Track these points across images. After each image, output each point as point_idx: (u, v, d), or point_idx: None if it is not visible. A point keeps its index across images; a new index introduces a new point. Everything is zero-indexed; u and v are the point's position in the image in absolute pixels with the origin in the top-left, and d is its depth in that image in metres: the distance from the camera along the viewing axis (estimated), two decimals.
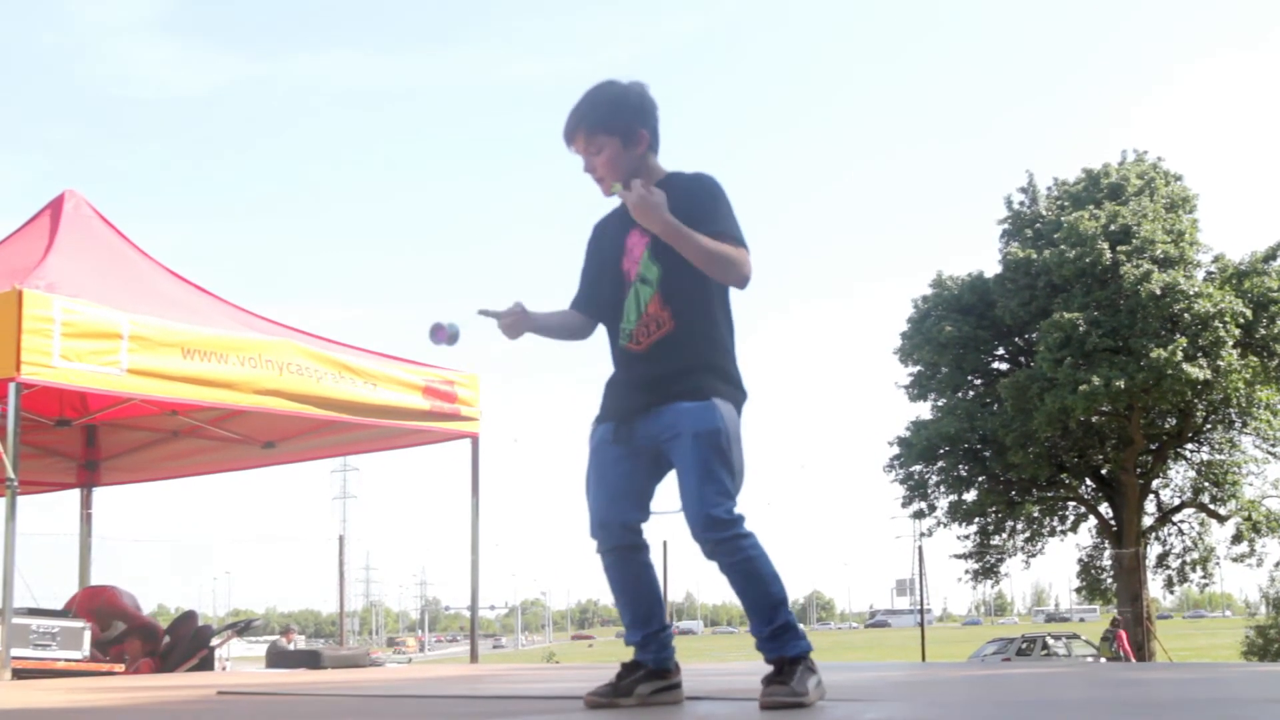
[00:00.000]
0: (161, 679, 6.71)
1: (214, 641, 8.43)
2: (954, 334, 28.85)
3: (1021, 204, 30.18)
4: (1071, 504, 30.96)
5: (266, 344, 7.53)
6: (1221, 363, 25.86)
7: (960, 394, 29.82)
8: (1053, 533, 31.47)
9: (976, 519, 30.54)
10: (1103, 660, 23.97)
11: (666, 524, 3.31)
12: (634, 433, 3.21)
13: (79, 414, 9.51)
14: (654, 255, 3.23)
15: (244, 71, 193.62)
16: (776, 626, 3.09)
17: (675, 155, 3.38)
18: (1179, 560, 30.57)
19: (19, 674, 6.46)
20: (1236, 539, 29.32)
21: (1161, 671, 5.81)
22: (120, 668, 7.46)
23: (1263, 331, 26.96)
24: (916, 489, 30.39)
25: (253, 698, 4.56)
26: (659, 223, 3.09)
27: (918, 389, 30.45)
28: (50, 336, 6.39)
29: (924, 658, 21.96)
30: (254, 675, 7.93)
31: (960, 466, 29.91)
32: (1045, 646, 27.61)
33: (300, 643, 21.65)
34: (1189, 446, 29.85)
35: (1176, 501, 30.67)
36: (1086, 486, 30.55)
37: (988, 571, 31.54)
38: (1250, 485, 29.61)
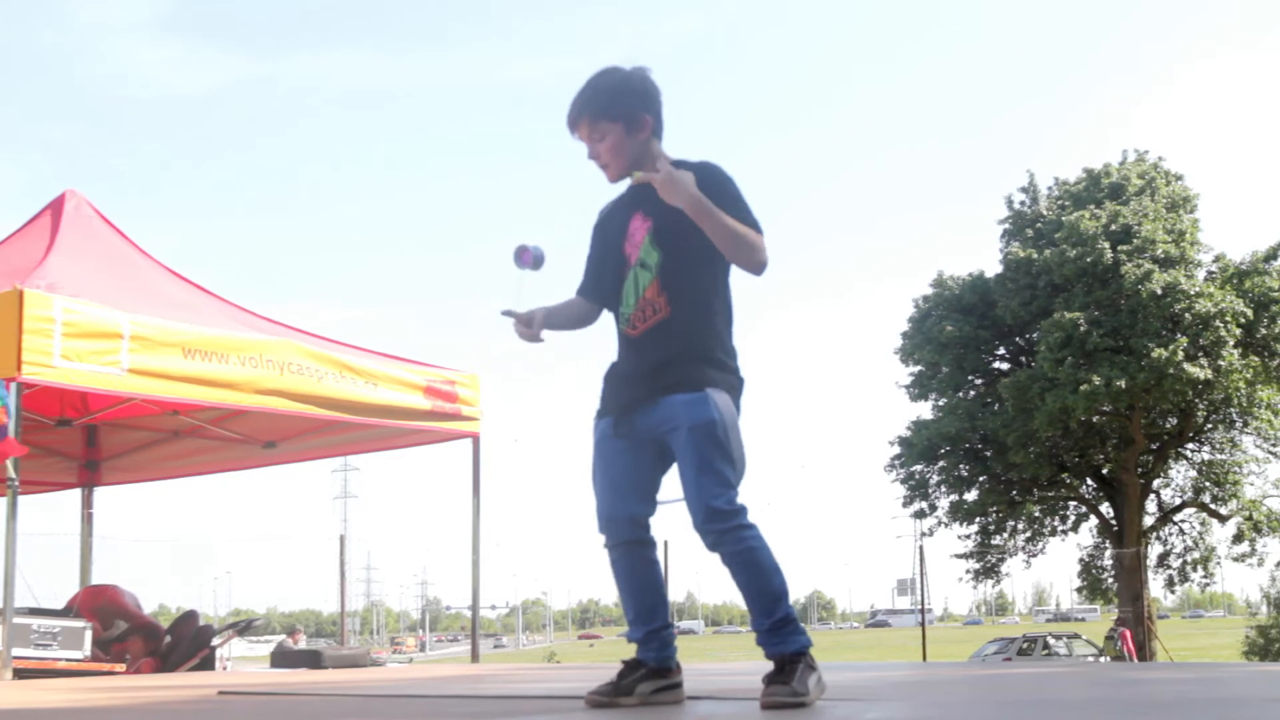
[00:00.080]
0: (162, 679, 6.72)
1: (215, 641, 8.43)
2: (955, 334, 28.85)
3: (1022, 204, 30.18)
4: (1072, 504, 30.96)
5: (267, 344, 7.53)
6: (1222, 362, 25.85)
7: (961, 394, 29.81)
8: (1054, 532, 31.48)
9: (977, 519, 30.54)
10: (1106, 659, 23.99)
11: (667, 523, 3.32)
12: (634, 426, 3.22)
13: (80, 414, 9.51)
14: (655, 241, 3.24)
15: (244, 71, 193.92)
16: (777, 619, 3.10)
17: (675, 155, 3.38)
18: (1180, 560, 30.58)
19: (20, 674, 6.47)
20: (1237, 539, 29.32)
21: (1162, 671, 5.81)
22: (121, 667, 7.46)
23: (1263, 331, 26.95)
24: (917, 489, 30.39)
25: (253, 698, 4.56)
26: (688, 199, 3.09)
27: (918, 389, 30.45)
28: (51, 336, 6.39)
29: (925, 657, 21.96)
30: (255, 675, 7.93)
31: (961, 466, 29.91)
32: (1046, 646, 27.63)
33: (303, 643, 21.69)
34: (1190, 446, 29.85)
35: (1177, 501, 30.67)
36: (1087, 486, 30.55)
37: (989, 571, 31.54)
38: (1251, 485, 29.65)
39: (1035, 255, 27.71)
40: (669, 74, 3.36)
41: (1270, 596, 38.69)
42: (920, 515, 30.65)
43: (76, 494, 10.30)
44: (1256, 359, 27.08)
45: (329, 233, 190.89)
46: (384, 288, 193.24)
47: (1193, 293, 25.88)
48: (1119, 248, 26.66)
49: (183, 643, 8.12)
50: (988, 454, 29.20)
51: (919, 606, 27.76)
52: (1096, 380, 25.12)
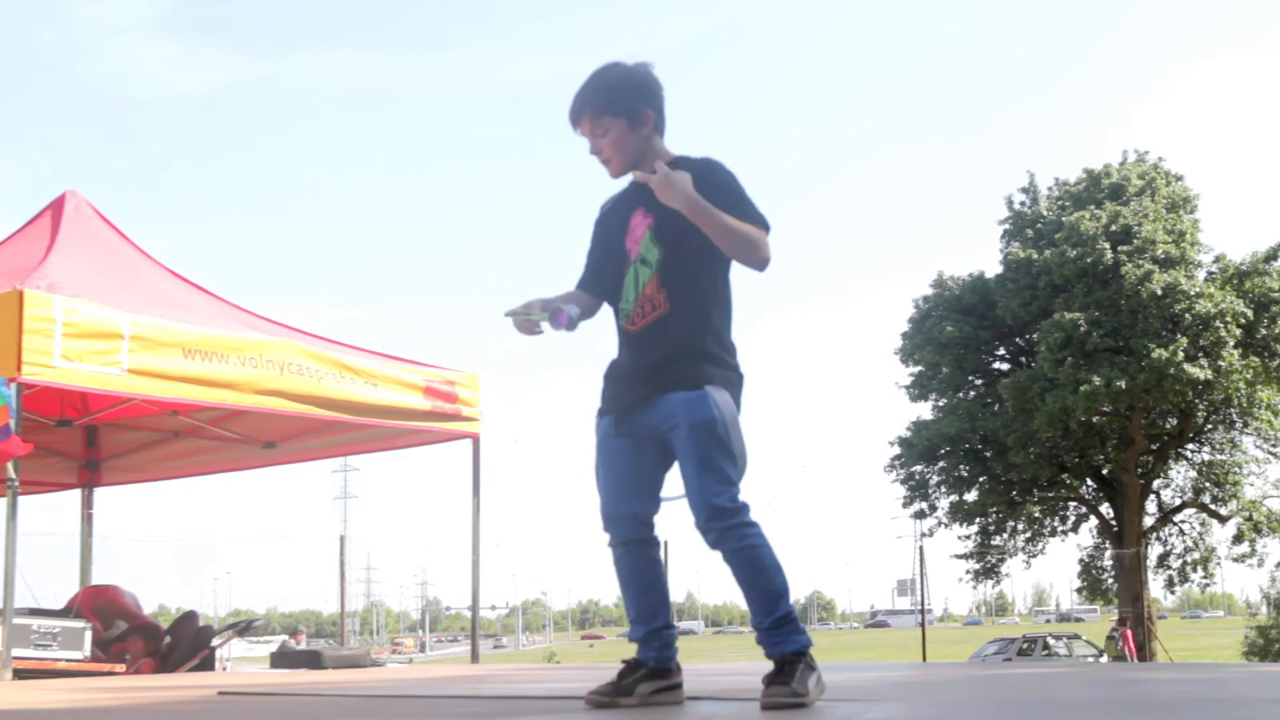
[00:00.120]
0: (162, 679, 6.72)
1: (215, 642, 8.43)
2: (955, 334, 28.86)
3: (1022, 204, 30.20)
4: (1072, 504, 30.97)
5: (267, 344, 7.53)
6: (1222, 363, 25.86)
7: (961, 394, 29.82)
8: (1054, 533, 31.49)
9: (977, 519, 30.55)
10: (1108, 659, 24.00)
11: (667, 523, 3.32)
12: (635, 425, 3.22)
13: (80, 414, 9.51)
14: (656, 237, 3.24)
15: (244, 71, 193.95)
16: (777, 617, 3.10)
17: (676, 153, 3.37)
18: (1180, 560, 30.59)
19: (20, 674, 6.47)
20: (1237, 539, 29.34)
21: (1162, 671, 5.81)
22: (121, 668, 7.47)
23: (1263, 331, 26.96)
24: (917, 489, 30.40)
25: (253, 698, 4.56)
26: (684, 200, 3.10)
27: (919, 389, 30.46)
28: (51, 337, 6.40)
29: (925, 658, 21.95)
30: (255, 675, 7.93)
31: (961, 467, 29.92)
32: (1046, 646, 27.63)
33: (305, 643, 21.72)
34: (1190, 447, 29.86)
35: (1177, 502, 30.69)
36: (1087, 487, 30.55)
37: (988, 572, 31.55)
38: (1251, 485, 29.67)
39: (1035, 255, 27.72)
40: (669, 74, 3.36)
41: (1270, 597, 38.70)
42: (920, 515, 30.67)
43: (76, 494, 10.30)
44: (1256, 359, 27.08)
45: (329, 233, 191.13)
46: (384, 288, 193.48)
47: (1193, 293, 25.88)
48: (1119, 248, 26.67)
49: (183, 643, 8.13)
50: (988, 454, 29.21)
51: (919, 607, 27.75)
52: (1096, 381, 25.13)
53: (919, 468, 30.22)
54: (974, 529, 30.85)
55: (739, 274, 3.28)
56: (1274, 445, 28.98)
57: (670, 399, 3.15)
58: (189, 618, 8.61)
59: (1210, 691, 3.63)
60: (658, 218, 3.23)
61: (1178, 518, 30.74)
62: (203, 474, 10.47)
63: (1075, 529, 31.24)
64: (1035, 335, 27.82)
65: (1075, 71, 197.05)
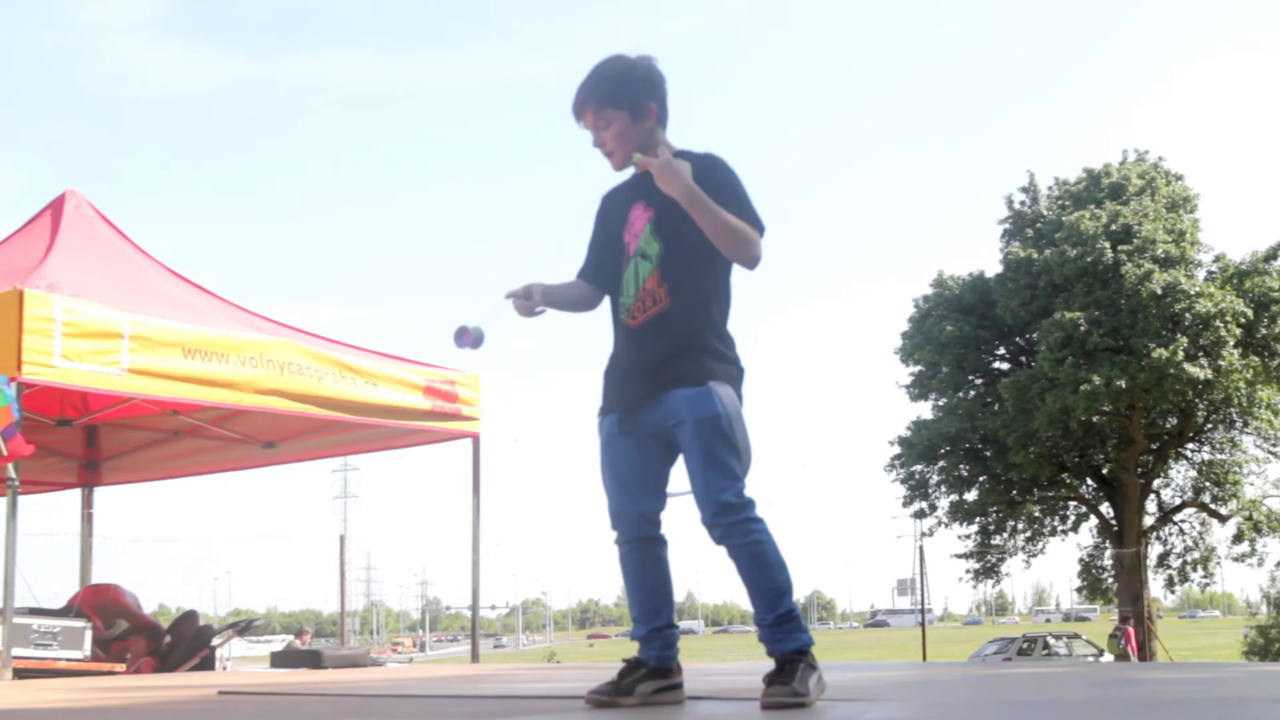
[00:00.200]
0: (162, 679, 6.72)
1: (215, 641, 8.44)
2: (955, 334, 28.86)
3: (1022, 204, 30.20)
4: (1072, 504, 30.97)
5: (267, 344, 7.54)
6: (1222, 362, 25.86)
7: (961, 394, 29.82)
8: (1054, 532, 31.49)
9: (977, 519, 30.55)
10: (1110, 658, 24.02)
11: (667, 523, 3.31)
12: (639, 423, 3.22)
13: (80, 414, 9.51)
14: (656, 231, 3.25)
15: (244, 71, 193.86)
16: (780, 614, 3.10)
17: (678, 149, 3.37)
18: (1180, 560, 30.59)
19: (20, 674, 6.47)
20: (1237, 539, 29.34)
21: (1162, 671, 5.81)
22: (121, 667, 7.47)
23: (1264, 331, 26.96)
24: (917, 489, 30.40)
25: (253, 698, 4.56)
26: (682, 188, 3.10)
27: (919, 389, 30.46)
28: (51, 336, 6.40)
29: (925, 657, 21.97)
30: (255, 675, 7.93)
31: (961, 466, 29.92)
32: (1046, 646, 27.64)
33: (311, 644, 21.76)
34: (1190, 446, 29.86)
35: (1177, 501, 30.69)
36: (1087, 486, 30.56)
37: (988, 571, 31.55)
38: (1251, 485, 29.67)
39: (1035, 255, 27.71)
40: (669, 74, 3.37)
41: (1270, 596, 38.67)
42: (920, 515, 30.67)
43: (76, 494, 10.31)
44: (1256, 359, 27.08)
45: (329, 233, 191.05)
46: (384, 288, 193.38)
47: (1193, 293, 25.89)
48: (1119, 248, 26.67)
49: (183, 643, 8.13)
50: (988, 454, 29.21)
51: (919, 606, 27.77)
52: (1097, 380, 25.13)
53: (919, 467, 30.22)
54: (974, 529, 30.85)
55: (739, 272, 3.28)
56: (1274, 445, 28.98)
57: (674, 396, 3.15)
58: (189, 617, 8.62)
59: (1210, 691, 3.63)
60: (658, 211, 3.23)
61: (1178, 517, 30.75)
62: (203, 474, 10.48)
63: (1075, 529, 31.25)
64: (1035, 335, 27.82)
65: (1075, 71, 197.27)
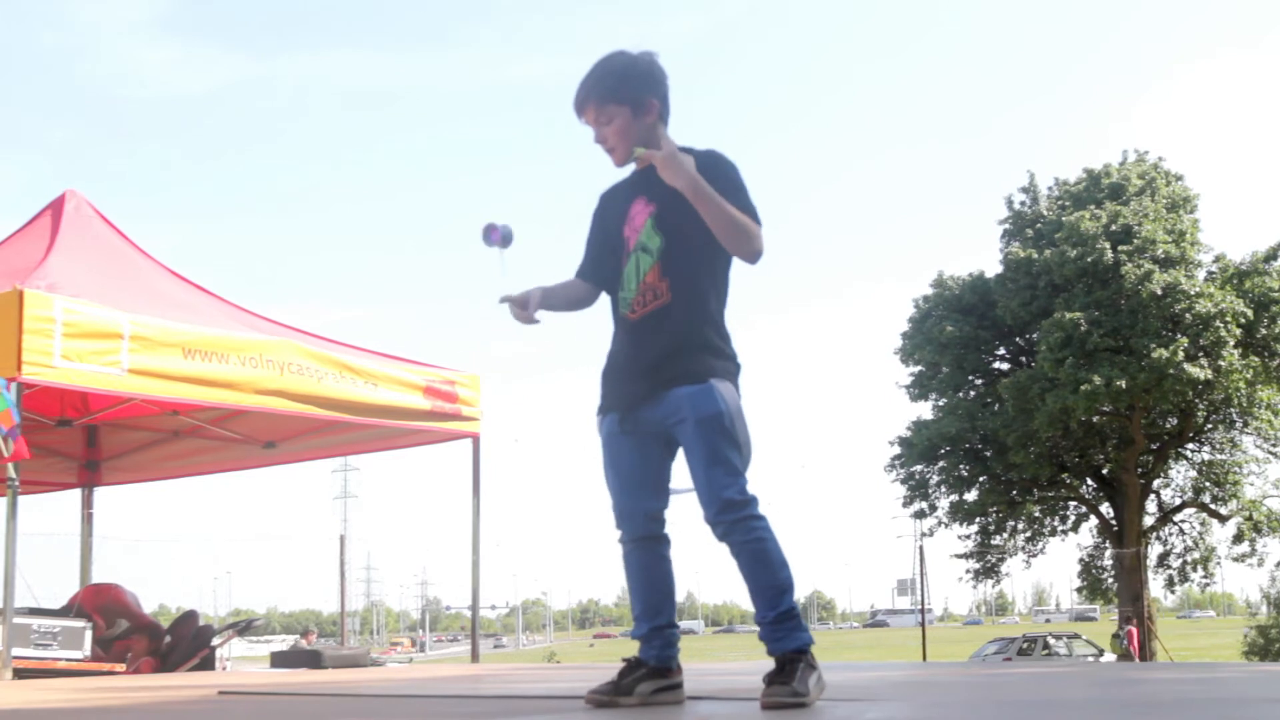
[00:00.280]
0: (162, 679, 6.72)
1: (215, 641, 8.44)
2: (955, 334, 28.87)
3: (1022, 204, 30.21)
4: (1072, 504, 30.98)
5: (267, 344, 7.53)
6: (1222, 363, 25.87)
7: (961, 394, 29.83)
8: (1054, 532, 31.50)
9: (977, 519, 30.56)
10: (1112, 658, 24.04)
11: (670, 517, 3.31)
12: (640, 421, 3.22)
13: (80, 414, 9.51)
14: (657, 225, 3.24)
15: (244, 71, 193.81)
16: (781, 612, 3.10)
17: (680, 144, 3.37)
18: (1180, 560, 30.60)
19: (20, 673, 6.47)
20: (1237, 539, 29.36)
21: (1162, 671, 5.80)
22: (121, 667, 7.47)
23: (1263, 331, 26.98)
24: (917, 489, 30.41)
25: (253, 698, 4.56)
26: (687, 179, 3.10)
27: (919, 389, 30.47)
28: (51, 336, 6.40)
29: (925, 657, 21.97)
30: (255, 675, 7.93)
31: (961, 466, 29.93)
32: (1046, 646, 27.66)
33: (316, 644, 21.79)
34: (1190, 446, 29.87)
35: (1177, 501, 30.71)
36: (1087, 486, 30.57)
37: (988, 571, 31.56)
38: (1251, 485, 29.69)
39: (1035, 255, 27.72)
40: (669, 74, 3.36)
41: (1270, 596, 38.70)
42: (920, 515, 30.69)
43: (76, 494, 10.31)
44: (1256, 359, 27.10)
45: (329, 233, 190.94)
46: (384, 288, 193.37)
47: (1193, 293, 25.90)
48: (1119, 248, 26.68)
49: (183, 643, 8.13)
50: (988, 454, 29.21)
51: (919, 606, 27.78)
52: (1097, 380, 25.14)
53: (919, 467, 30.23)
54: (974, 529, 30.86)
55: (740, 270, 3.28)
56: (1274, 445, 28.99)
57: (675, 394, 3.15)
58: (189, 617, 8.62)
59: (1210, 691, 3.63)
60: (660, 206, 3.23)
61: (1178, 517, 30.77)
62: (202, 474, 10.47)
63: (1075, 529, 31.27)
64: (1035, 335, 27.83)
65: (1075, 71, 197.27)
